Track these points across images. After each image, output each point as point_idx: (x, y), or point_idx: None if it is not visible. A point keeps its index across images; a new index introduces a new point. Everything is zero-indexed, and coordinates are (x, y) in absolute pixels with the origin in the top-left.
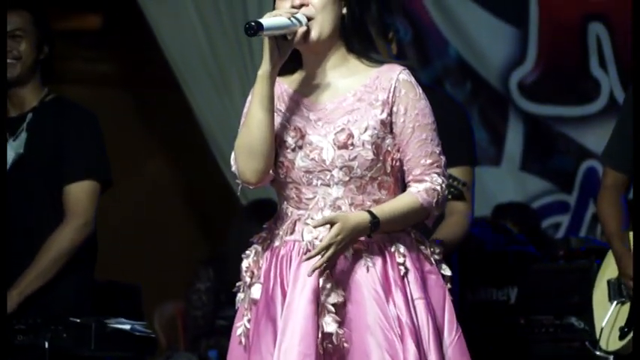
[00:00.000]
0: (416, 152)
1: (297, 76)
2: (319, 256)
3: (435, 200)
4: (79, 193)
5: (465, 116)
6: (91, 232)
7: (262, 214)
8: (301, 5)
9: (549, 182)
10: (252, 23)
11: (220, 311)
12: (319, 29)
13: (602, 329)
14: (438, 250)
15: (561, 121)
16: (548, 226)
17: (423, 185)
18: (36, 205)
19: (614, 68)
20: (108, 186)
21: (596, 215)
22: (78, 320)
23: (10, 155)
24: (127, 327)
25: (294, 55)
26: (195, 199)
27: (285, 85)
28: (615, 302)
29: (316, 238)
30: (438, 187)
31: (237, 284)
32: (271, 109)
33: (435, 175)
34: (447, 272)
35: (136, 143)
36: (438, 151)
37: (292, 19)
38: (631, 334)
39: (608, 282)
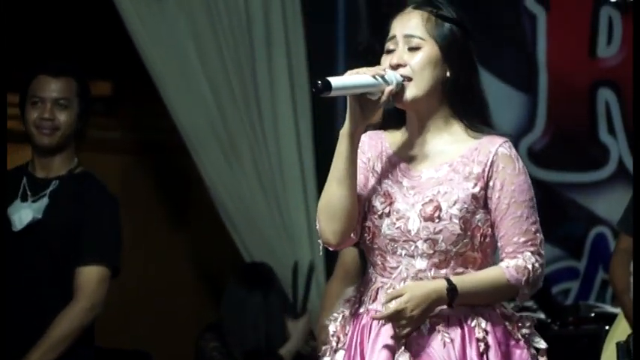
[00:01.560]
0: (509, 229)
1: (400, 136)
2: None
3: (525, 278)
4: (91, 276)
5: None
6: (98, 315)
7: (252, 279)
8: (398, 65)
9: (559, 248)
10: (319, 82)
11: None
12: (414, 91)
13: None
14: (528, 324)
15: (571, 187)
16: (557, 292)
17: (514, 262)
18: (39, 275)
19: (622, 134)
20: (117, 273)
21: (608, 279)
22: None
23: (27, 215)
24: None
25: (401, 111)
26: (204, 265)
27: (387, 144)
28: None
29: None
30: (530, 266)
31: (324, 348)
32: (351, 171)
33: (529, 253)
34: (541, 345)
35: (145, 209)
36: (533, 229)
37: (378, 77)
38: None
39: (617, 344)
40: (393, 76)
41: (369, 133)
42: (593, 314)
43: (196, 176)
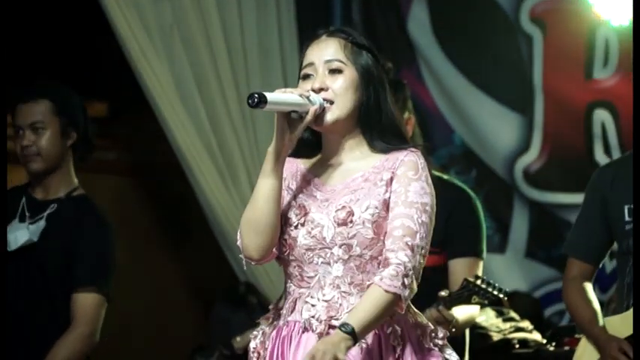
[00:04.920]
0: (395, 223)
1: (316, 159)
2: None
3: (400, 283)
4: (88, 303)
5: (478, 209)
6: (96, 343)
7: (236, 298)
8: (320, 89)
9: (554, 269)
10: (255, 94)
11: None
12: (336, 113)
13: None
14: (441, 335)
15: (566, 208)
16: (553, 313)
17: (387, 271)
18: (30, 296)
19: (618, 155)
20: (109, 301)
21: (567, 307)
22: None
23: (23, 236)
24: None
25: (316, 140)
26: (200, 286)
27: (302, 166)
28: None
29: (313, 317)
30: (402, 267)
31: None
32: (278, 186)
33: (402, 253)
34: (453, 357)
35: (139, 230)
36: (417, 230)
37: (304, 97)
38: None
39: None
40: (317, 98)
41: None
42: None
43: (192, 197)
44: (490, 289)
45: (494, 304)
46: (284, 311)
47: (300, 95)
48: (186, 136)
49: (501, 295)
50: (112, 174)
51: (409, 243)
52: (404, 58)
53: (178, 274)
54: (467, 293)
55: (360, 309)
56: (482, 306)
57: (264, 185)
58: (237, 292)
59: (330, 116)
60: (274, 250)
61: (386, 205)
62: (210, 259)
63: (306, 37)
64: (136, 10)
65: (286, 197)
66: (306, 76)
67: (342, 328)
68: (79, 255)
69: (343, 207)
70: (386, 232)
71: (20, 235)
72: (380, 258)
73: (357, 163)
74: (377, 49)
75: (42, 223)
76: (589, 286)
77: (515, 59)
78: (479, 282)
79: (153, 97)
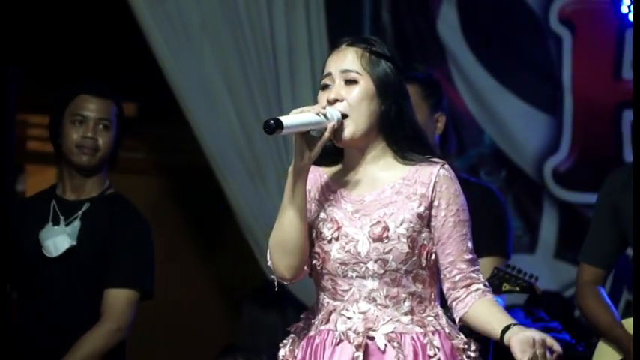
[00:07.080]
0: (457, 246)
1: (338, 168)
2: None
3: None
4: (118, 299)
5: (502, 209)
6: (124, 338)
7: (266, 299)
8: (335, 100)
9: None
10: (271, 121)
11: None
12: (353, 127)
13: None
14: (473, 348)
15: None
16: None
17: (482, 286)
18: (72, 299)
19: None
20: (149, 296)
21: (583, 313)
22: None
23: (64, 242)
24: None
25: (338, 150)
26: (229, 286)
27: (325, 176)
28: None
29: (350, 329)
30: (487, 282)
31: None
32: (302, 206)
33: (478, 271)
34: None
35: (168, 230)
36: (472, 247)
37: (321, 115)
38: None
39: None
40: (334, 114)
41: None
42: None
43: (220, 197)
44: (521, 275)
45: (526, 291)
46: (316, 321)
47: (317, 113)
48: (215, 136)
49: (532, 280)
50: (140, 174)
51: (477, 265)
52: (434, 59)
53: (207, 274)
54: (497, 281)
55: (503, 315)
56: (514, 293)
57: (289, 206)
58: (268, 292)
59: (347, 132)
60: (305, 268)
61: (420, 218)
62: (238, 258)
63: (335, 38)
64: (164, 10)
65: (314, 209)
66: (325, 87)
67: (514, 323)
68: (115, 250)
69: (378, 222)
70: (421, 246)
71: (60, 241)
72: (415, 272)
73: (384, 174)
74: (406, 50)
75: (77, 224)
76: (602, 290)
77: (544, 60)
78: (509, 269)
79: (181, 97)
